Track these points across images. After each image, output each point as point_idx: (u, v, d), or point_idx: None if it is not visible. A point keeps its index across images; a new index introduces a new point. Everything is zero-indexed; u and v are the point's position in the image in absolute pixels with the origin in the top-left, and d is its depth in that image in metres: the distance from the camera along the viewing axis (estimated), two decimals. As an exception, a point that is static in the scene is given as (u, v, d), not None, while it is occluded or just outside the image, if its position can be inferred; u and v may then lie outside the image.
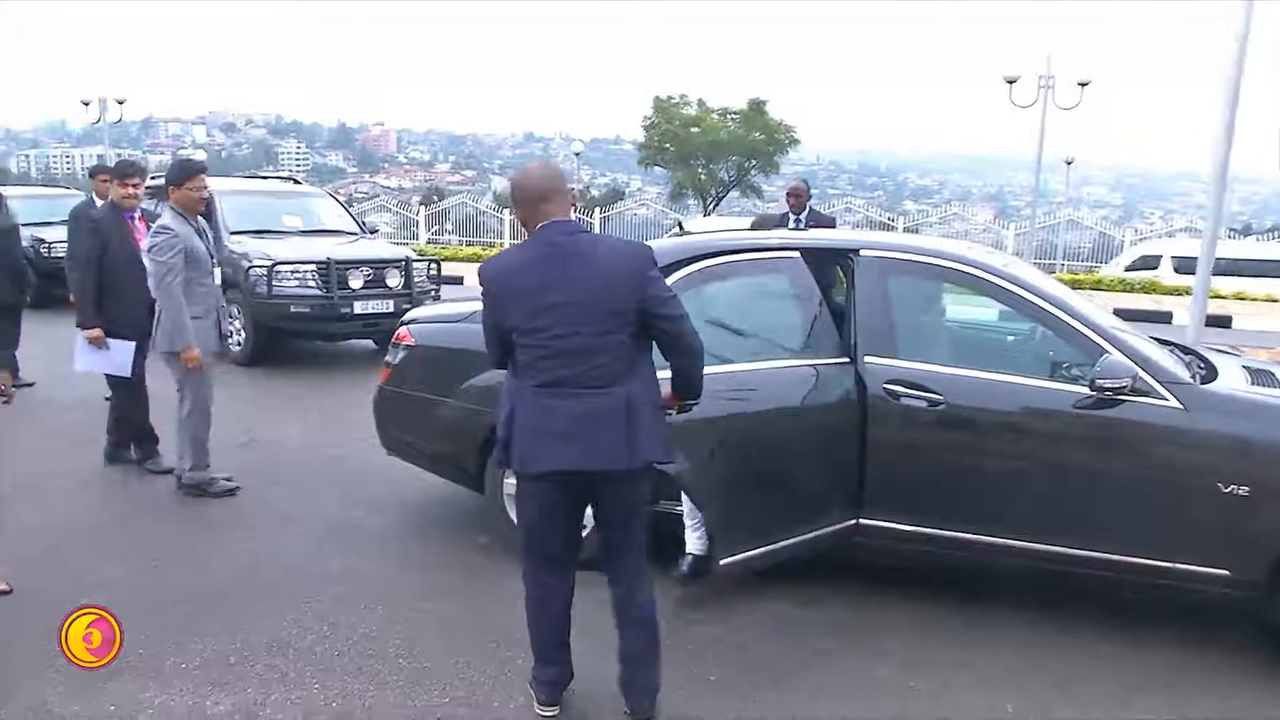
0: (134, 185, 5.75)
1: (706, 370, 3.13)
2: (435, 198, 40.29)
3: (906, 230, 23.67)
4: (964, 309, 4.91)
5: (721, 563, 3.67)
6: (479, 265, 3.07)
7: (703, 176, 40.22)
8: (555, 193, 2.99)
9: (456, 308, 5.07)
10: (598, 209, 27.18)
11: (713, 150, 39.75)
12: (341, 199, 12.44)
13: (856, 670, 3.61)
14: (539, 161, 3.29)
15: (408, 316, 5.15)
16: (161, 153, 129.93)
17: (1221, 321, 13.18)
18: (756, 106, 39.69)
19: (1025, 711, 3.36)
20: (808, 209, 8.10)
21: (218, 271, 5.28)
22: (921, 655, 3.71)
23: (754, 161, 39.76)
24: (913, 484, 3.97)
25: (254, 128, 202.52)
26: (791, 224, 7.96)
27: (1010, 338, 4.83)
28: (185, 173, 5.21)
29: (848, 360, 4.03)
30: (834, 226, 8.72)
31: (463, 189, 65.88)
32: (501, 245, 24.62)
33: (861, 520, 4.01)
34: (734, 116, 40.30)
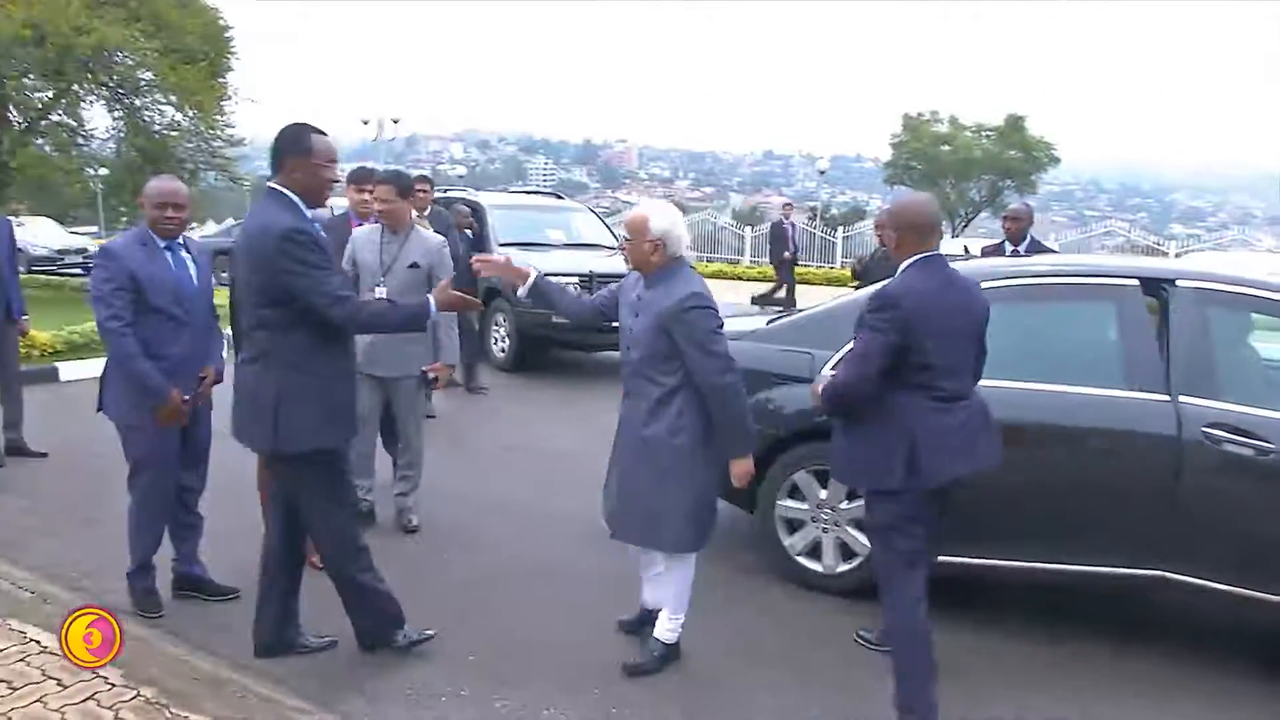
0: (367, 191, 5.14)
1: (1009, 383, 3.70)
2: (676, 214, 40.83)
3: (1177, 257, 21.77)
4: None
5: (939, 559, 3.63)
6: (883, 290, 3.21)
7: (952, 197, 38.73)
8: (940, 227, 3.36)
9: (731, 325, 5.08)
10: (839, 227, 26.72)
11: (964, 169, 38.24)
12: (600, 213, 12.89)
13: None
14: (927, 195, 3.58)
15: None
16: (421, 168, 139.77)
17: None
18: (1014, 123, 37.74)
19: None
20: (1029, 238, 7.09)
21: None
22: None
23: (1009, 181, 37.86)
24: (1235, 539, 3.60)
25: (506, 144, 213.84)
26: (1009, 253, 6.96)
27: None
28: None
29: (1166, 398, 3.72)
30: None
31: (702, 206, 66.70)
32: (741, 263, 24.65)
33: (1169, 574, 3.67)
34: (989, 134, 38.56)
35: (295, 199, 3.31)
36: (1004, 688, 3.59)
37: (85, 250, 21.44)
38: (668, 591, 3.66)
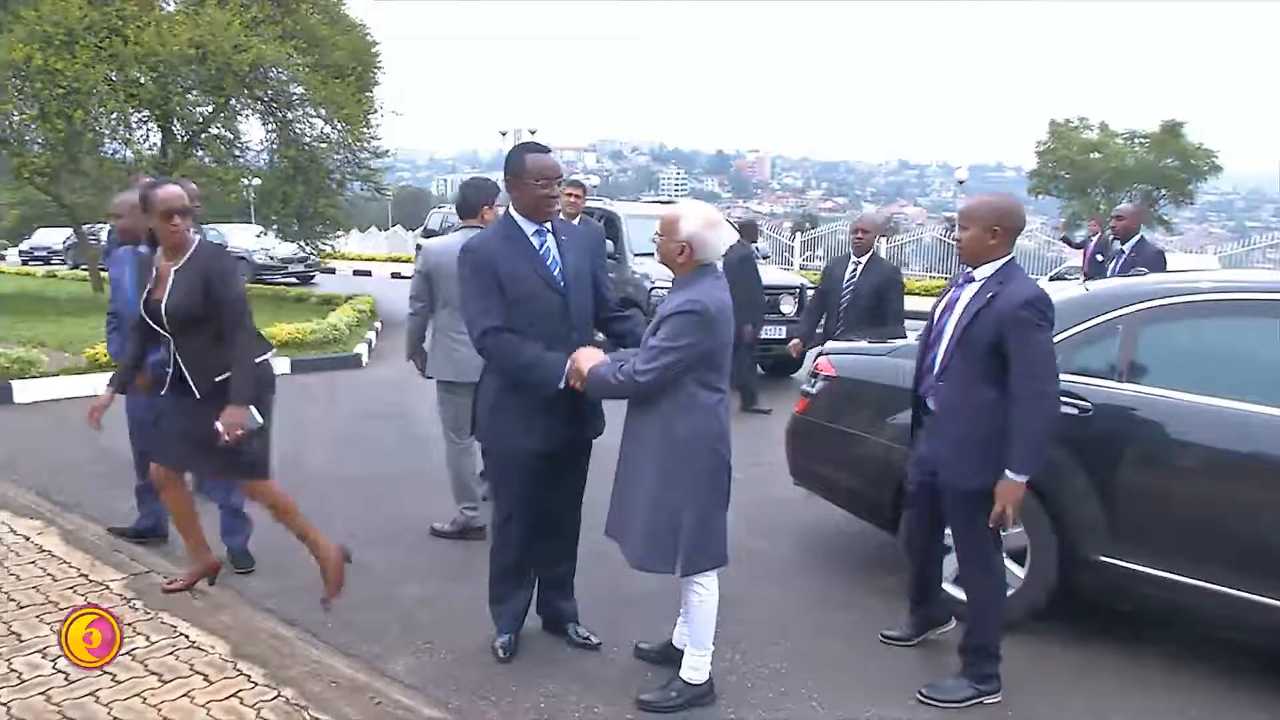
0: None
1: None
2: (807, 224, 40.35)
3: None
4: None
5: (1097, 557, 3.73)
6: (1037, 291, 3.24)
7: (1103, 207, 36.89)
8: None
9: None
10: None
11: (1116, 178, 36.23)
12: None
13: None
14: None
15: (828, 346, 5.05)
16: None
17: None
18: (1171, 129, 35.61)
19: None
20: (1138, 235, 7.02)
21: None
22: None
23: (1163, 191, 35.77)
24: None
25: (639, 155, 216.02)
26: (1114, 250, 6.92)
27: None
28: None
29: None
30: (1163, 264, 6.90)
31: (835, 216, 65.75)
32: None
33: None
34: (1143, 141, 36.50)
35: (517, 218, 3.45)
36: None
37: (306, 259, 21.54)
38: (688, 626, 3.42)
